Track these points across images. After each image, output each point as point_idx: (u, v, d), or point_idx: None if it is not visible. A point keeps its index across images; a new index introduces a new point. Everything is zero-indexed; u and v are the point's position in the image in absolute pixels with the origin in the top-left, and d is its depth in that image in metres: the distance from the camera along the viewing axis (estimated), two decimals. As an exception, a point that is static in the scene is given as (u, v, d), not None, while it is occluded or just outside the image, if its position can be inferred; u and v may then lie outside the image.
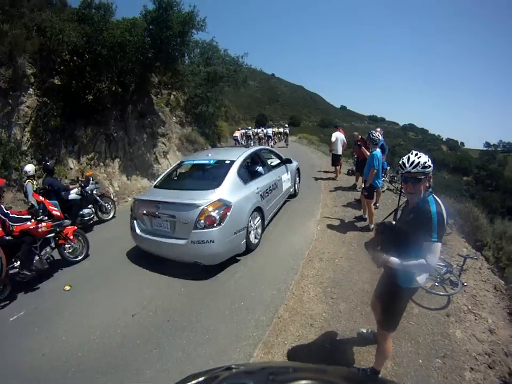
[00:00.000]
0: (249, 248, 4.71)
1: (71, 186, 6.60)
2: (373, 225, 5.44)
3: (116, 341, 3.14)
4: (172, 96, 16.11)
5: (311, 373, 1.07)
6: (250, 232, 4.67)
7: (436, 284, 3.79)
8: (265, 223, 5.35)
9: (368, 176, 5.52)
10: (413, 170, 1.98)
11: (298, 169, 8.02)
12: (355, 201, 7.23)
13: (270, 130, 23.34)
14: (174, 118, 15.40)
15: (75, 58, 9.52)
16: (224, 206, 4.12)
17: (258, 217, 4.99)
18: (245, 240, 4.52)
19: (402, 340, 2.87)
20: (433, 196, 2.01)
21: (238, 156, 5.13)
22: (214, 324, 3.22)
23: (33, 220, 4.49)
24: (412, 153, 2.06)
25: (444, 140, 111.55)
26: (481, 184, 57.69)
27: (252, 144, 15.44)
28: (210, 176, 5.08)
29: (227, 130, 23.44)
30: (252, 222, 4.70)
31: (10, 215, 4.40)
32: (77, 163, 9.46)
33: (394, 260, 1.99)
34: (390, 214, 3.38)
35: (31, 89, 8.62)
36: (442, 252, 4.64)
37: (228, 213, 4.12)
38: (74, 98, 9.53)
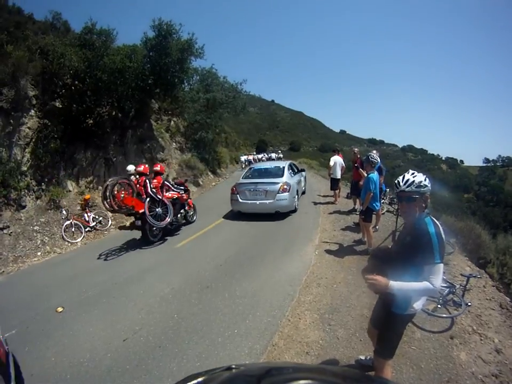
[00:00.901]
0: (296, 209, 8.68)
1: None
2: (371, 248, 5.33)
3: (105, 364, 3.05)
4: (172, 122, 16.40)
5: (311, 373, 1.02)
6: (295, 200, 8.65)
7: (439, 305, 3.65)
8: (298, 199, 9.29)
9: (365, 199, 5.49)
10: (407, 189, 1.95)
11: (305, 176, 12.00)
12: (354, 224, 7.16)
13: (273, 155, 34.18)
14: (174, 143, 15.60)
15: (76, 82, 9.77)
16: (288, 184, 8.18)
17: (297, 195, 8.90)
18: (294, 203, 8.53)
19: (403, 366, 2.72)
20: (430, 217, 1.97)
21: (285, 164, 9.53)
22: (205, 351, 3.09)
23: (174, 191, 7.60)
24: (408, 172, 2.04)
25: (443, 158, 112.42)
26: (482, 200, 57.62)
27: None
28: (275, 173, 8.96)
29: (227, 156, 23.82)
30: (296, 196, 8.70)
31: (175, 185, 7.77)
32: (75, 186, 9.50)
33: (394, 284, 1.85)
34: (388, 237, 3.32)
35: (32, 111, 8.80)
36: (444, 273, 4.53)
37: (290, 188, 8.17)
38: (75, 121, 9.70)
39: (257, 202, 8.11)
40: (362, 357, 2.80)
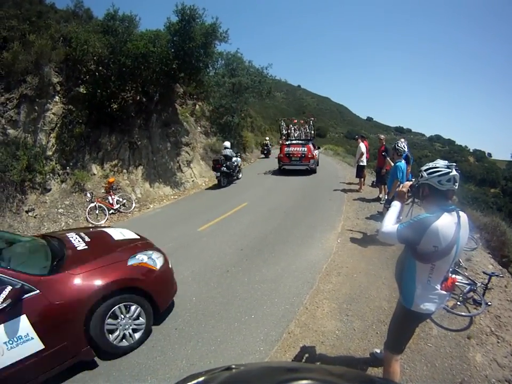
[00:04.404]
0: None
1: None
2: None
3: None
4: (197, 106, 16.40)
5: (311, 373, 1.04)
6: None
7: (458, 303, 3.58)
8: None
9: (391, 188, 5.36)
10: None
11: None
12: (378, 213, 7.04)
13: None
14: (198, 127, 15.63)
15: (100, 68, 9.85)
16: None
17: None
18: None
19: (417, 363, 2.70)
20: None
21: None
22: (221, 336, 3.17)
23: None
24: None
25: (470, 150, 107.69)
26: (509, 196, 54.89)
27: None
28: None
29: (252, 141, 23.64)
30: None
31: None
32: (100, 169, 9.73)
33: (397, 202, 2.09)
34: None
35: (57, 97, 9.01)
36: (466, 269, 4.42)
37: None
38: (99, 106, 9.87)
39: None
40: (378, 350, 2.80)
